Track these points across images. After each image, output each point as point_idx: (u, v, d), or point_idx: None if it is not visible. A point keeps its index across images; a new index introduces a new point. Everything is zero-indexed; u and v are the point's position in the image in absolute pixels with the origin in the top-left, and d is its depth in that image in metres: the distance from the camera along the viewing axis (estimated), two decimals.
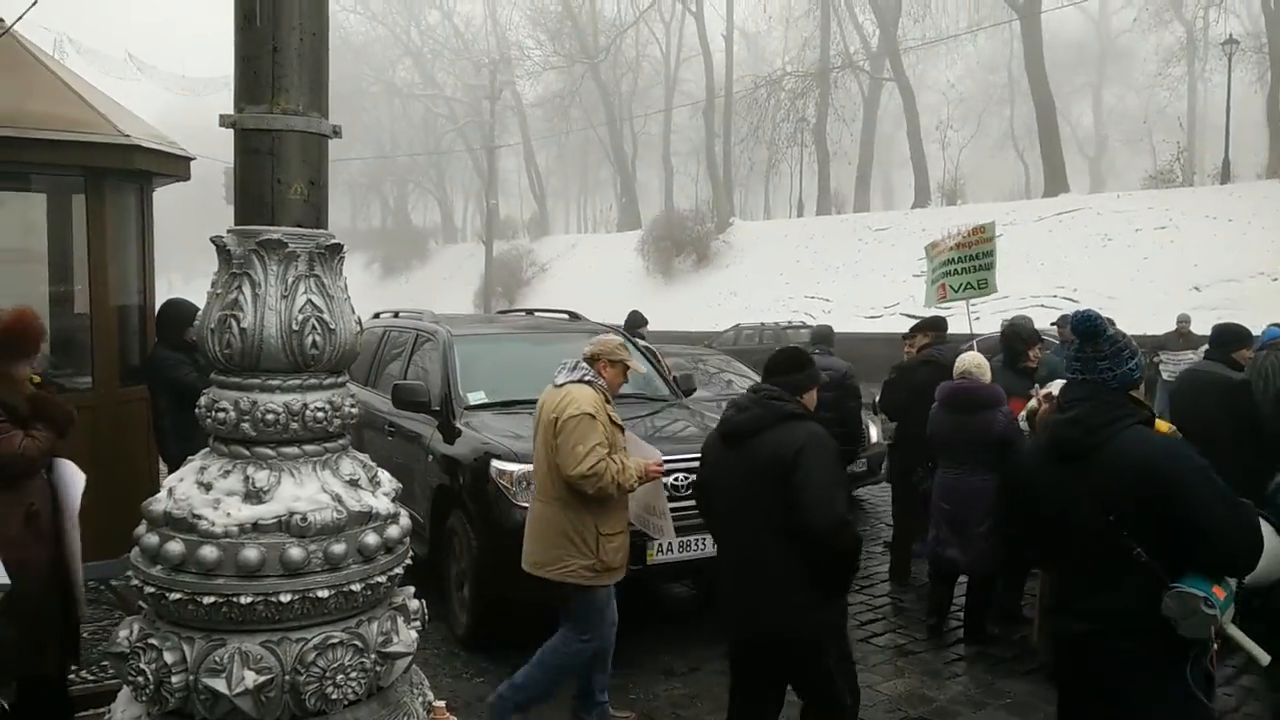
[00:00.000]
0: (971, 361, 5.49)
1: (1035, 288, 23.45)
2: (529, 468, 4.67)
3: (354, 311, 3.24)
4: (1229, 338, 5.48)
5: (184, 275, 51.73)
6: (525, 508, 4.64)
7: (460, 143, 52.42)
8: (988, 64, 45.72)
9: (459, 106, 51.31)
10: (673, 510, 4.62)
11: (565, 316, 7.47)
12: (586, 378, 4.18)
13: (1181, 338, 12.50)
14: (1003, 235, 26.70)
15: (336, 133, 3.52)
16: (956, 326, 7.90)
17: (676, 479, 4.89)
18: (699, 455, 4.51)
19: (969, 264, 8.10)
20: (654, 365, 6.88)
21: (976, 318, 8.31)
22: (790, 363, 3.44)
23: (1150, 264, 22.42)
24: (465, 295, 43.19)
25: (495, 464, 4.92)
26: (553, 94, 47.97)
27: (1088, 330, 2.70)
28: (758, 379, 10.73)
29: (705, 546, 4.94)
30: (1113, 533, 2.50)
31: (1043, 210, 27.30)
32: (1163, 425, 3.42)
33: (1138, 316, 16.81)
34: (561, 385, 4.17)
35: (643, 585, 5.63)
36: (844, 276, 29.61)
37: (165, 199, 6.93)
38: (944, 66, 42.52)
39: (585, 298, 28.46)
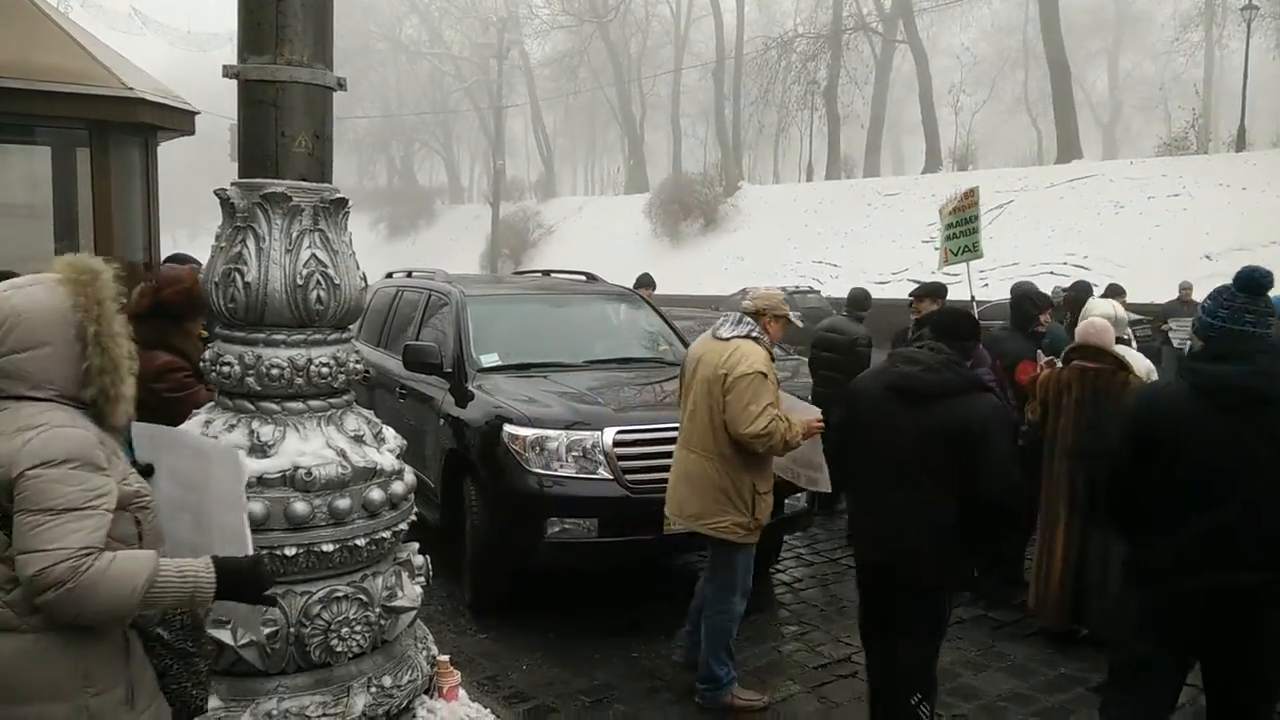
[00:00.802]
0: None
1: (1046, 254, 23.31)
2: (542, 432, 4.72)
3: (359, 267, 3.22)
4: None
5: (189, 232, 51.59)
6: (537, 473, 4.69)
7: (467, 102, 51.97)
8: (1002, 27, 45.02)
9: (466, 65, 50.81)
10: None
11: (582, 278, 7.30)
12: (754, 333, 4.08)
13: (1185, 305, 12.42)
14: (1013, 201, 26.65)
15: (341, 85, 3.48)
16: (959, 292, 7.86)
17: None
18: None
19: (963, 228, 8.14)
20: (671, 328, 6.71)
21: (984, 284, 8.28)
22: (968, 329, 3.54)
23: (1162, 232, 22.24)
24: (471, 256, 43.07)
25: (507, 428, 4.82)
26: (560, 54, 47.46)
27: (1254, 285, 2.79)
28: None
29: None
30: None
31: (1055, 176, 27.05)
32: None
33: (1149, 284, 16.70)
34: (728, 339, 4.07)
35: (659, 558, 5.61)
36: (853, 242, 29.44)
37: (169, 156, 6.90)
38: (958, 29, 41.89)
39: (592, 260, 28.33)
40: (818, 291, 23.32)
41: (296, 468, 2.79)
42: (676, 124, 47.79)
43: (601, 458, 4.75)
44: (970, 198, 8.07)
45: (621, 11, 44.70)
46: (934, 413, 3.25)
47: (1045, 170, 29.34)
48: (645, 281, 9.35)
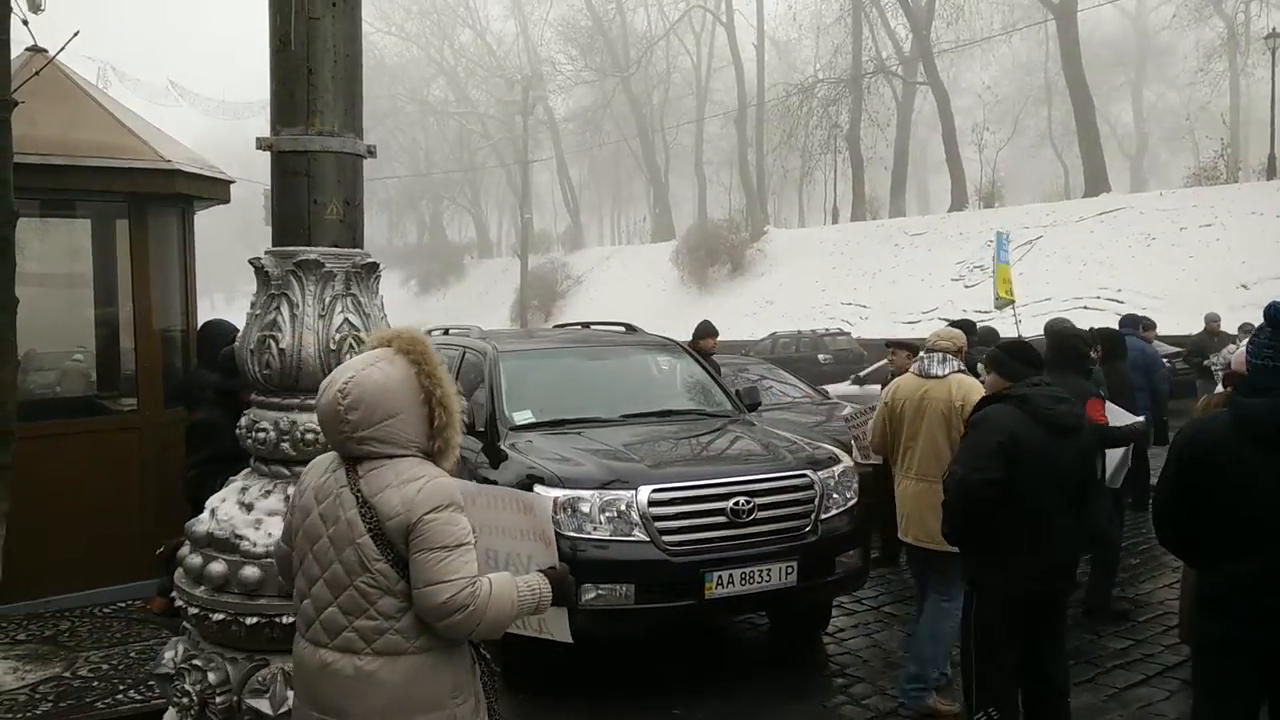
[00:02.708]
0: None
1: (1078, 289, 23.10)
2: (573, 493, 4.52)
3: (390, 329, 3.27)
4: None
5: (226, 296, 52.64)
6: (570, 537, 4.40)
7: (494, 158, 52.90)
8: (1023, 65, 45.17)
9: (492, 123, 51.80)
10: (735, 536, 4.52)
11: (621, 329, 7.19)
12: (961, 368, 4.68)
13: (1214, 337, 12.20)
14: (1042, 237, 26.44)
15: (371, 152, 3.55)
16: (1005, 329, 7.78)
17: (737, 503, 4.58)
18: (765, 476, 4.71)
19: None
20: (714, 378, 6.54)
21: (1018, 320, 8.19)
22: (1040, 359, 3.91)
23: (1196, 263, 21.98)
24: (501, 309, 43.46)
25: (538, 489, 4.57)
26: (584, 108, 48.25)
27: (1276, 319, 2.82)
28: (803, 386, 10.46)
29: (770, 577, 4.56)
30: None
31: (1084, 210, 26.90)
32: None
33: (1184, 317, 16.48)
34: (945, 375, 4.61)
35: (701, 624, 5.32)
36: (881, 282, 29.37)
37: (207, 220, 7.04)
38: (979, 68, 42.11)
39: (621, 309, 28.50)
40: (848, 334, 23.25)
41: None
42: (701, 172, 48.23)
43: (637, 518, 4.53)
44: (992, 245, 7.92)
45: (643, 65, 45.47)
46: (1079, 439, 3.58)
47: (1074, 204, 29.20)
48: (707, 330, 8.89)
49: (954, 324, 7.07)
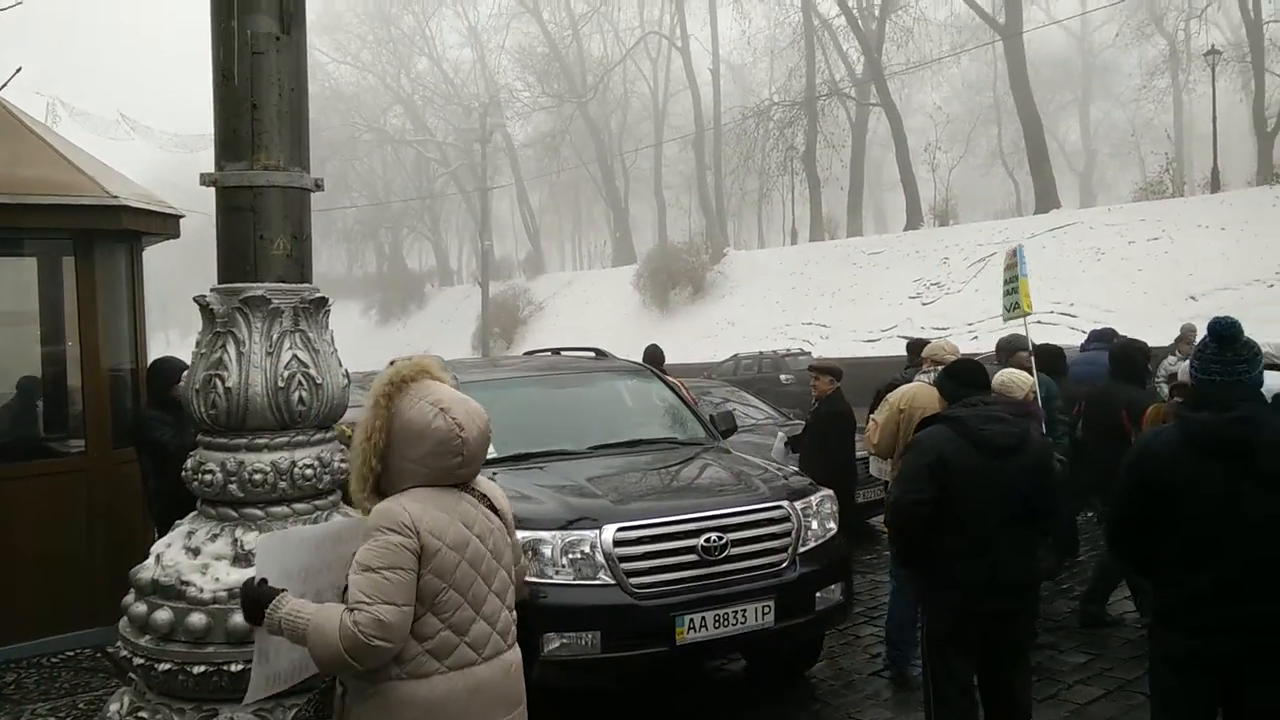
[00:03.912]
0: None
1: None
2: (533, 535, 4.23)
3: (341, 364, 3.21)
4: None
5: (181, 331, 51.84)
6: (530, 583, 4.06)
7: (453, 186, 52.77)
8: (973, 85, 46.08)
9: (451, 150, 51.71)
10: (707, 575, 4.29)
11: (591, 355, 6.95)
12: None
13: (1189, 345, 12.41)
14: (995, 254, 26.85)
15: (319, 185, 3.52)
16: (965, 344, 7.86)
17: (709, 540, 4.34)
18: (737, 510, 4.48)
19: (1008, 287, 8.12)
20: (687, 404, 6.27)
21: (974, 336, 8.26)
22: (986, 378, 3.98)
23: (1145, 275, 22.44)
24: (463, 337, 43.23)
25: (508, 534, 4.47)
26: (543, 134, 48.36)
27: (1230, 334, 2.88)
28: (766, 408, 10.49)
29: (746, 618, 4.33)
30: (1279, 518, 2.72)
31: (1035, 227, 27.38)
32: None
33: (1136, 328, 16.76)
34: None
35: (673, 672, 4.86)
36: (841, 301, 29.64)
37: (162, 255, 6.93)
38: (929, 89, 42.83)
39: (583, 334, 28.45)
40: (809, 353, 23.38)
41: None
42: (660, 195, 48.47)
43: (602, 560, 4.25)
44: (1011, 258, 8.07)
45: (600, 90, 45.69)
46: (1019, 457, 3.58)
47: (1025, 221, 29.72)
48: (654, 355, 8.90)
49: (912, 344, 7.25)
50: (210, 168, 3.14)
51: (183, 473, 2.95)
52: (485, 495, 2.34)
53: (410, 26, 53.14)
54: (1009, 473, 3.53)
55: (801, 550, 4.59)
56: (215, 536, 2.81)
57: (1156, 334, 14.25)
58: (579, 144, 47.49)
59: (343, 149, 52.95)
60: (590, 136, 46.56)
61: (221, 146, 3.12)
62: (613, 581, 4.24)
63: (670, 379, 6.95)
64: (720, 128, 41.60)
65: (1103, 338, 9.65)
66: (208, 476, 2.83)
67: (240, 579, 2.67)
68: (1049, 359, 7.12)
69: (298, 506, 2.90)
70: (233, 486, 2.81)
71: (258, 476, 2.80)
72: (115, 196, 5.45)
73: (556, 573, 4.24)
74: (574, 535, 4.29)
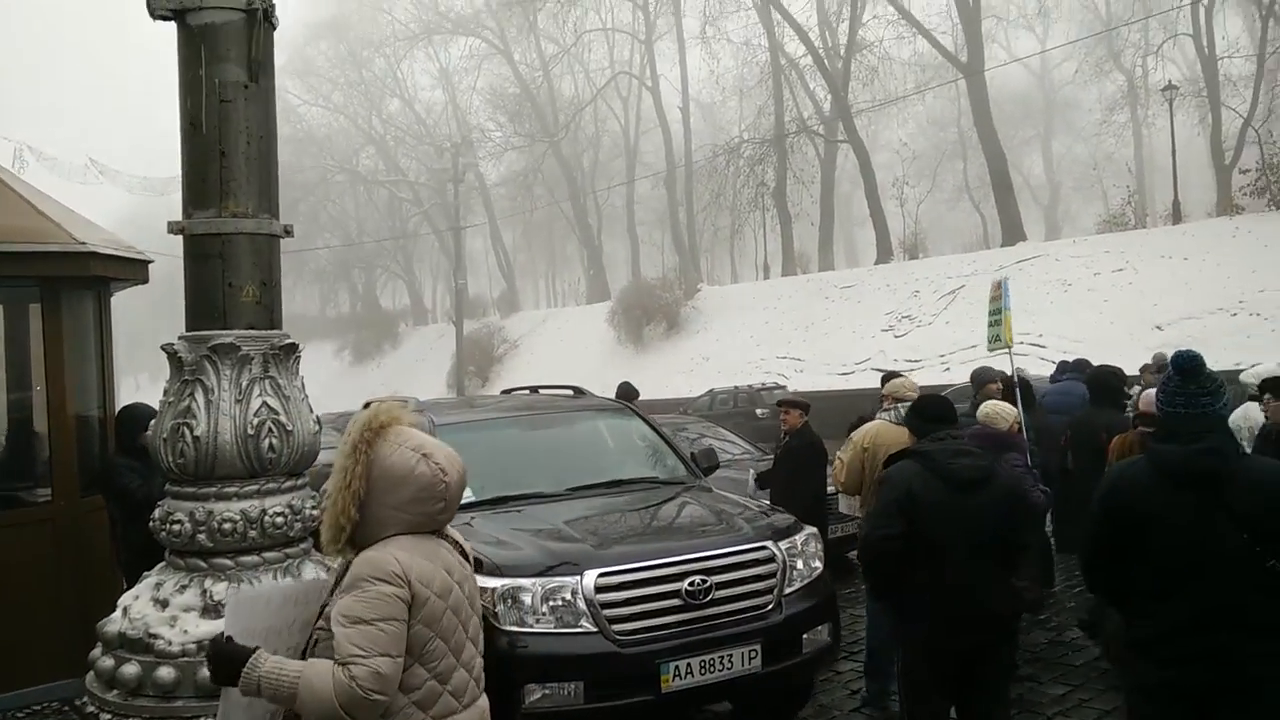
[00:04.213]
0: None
1: (988, 334, 23.70)
2: (512, 582, 4.12)
3: (312, 410, 3.20)
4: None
5: (151, 375, 51.25)
6: (509, 631, 4.05)
7: (426, 226, 52.83)
8: (938, 121, 46.89)
9: (423, 190, 51.82)
10: (692, 620, 4.21)
11: (569, 393, 6.81)
12: None
13: (1153, 375, 12.58)
14: (965, 286, 27.21)
15: (288, 232, 3.53)
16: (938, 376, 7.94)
17: (693, 583, 4.23)
18: (721, 551, 4.37)
19: (992, 319, 8.24)
20: (668, 441, 6.14)
21: (946, 368, 8.37)
22: (953, 413, 3.98)
23: (1111, 306, 22.79)
24: (438, 376, 43.02)
25: (477, 579, 4.27)
26: (515, 173, 48.62)
27: (1192, 367, 2.91)
28: (742, 443, 10.53)
29: (732, 664, 4.24)
30: (1247, 548, 2.73)
31: (1003, 259, 27.76)
32: None
33: (1105, 358, 16.98)
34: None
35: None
36: (814, 335, 29.83)
37: (132, 297, 6.87)
38: (896, 125, 43.54)
39: (558, 371, 28.41)
40: (784, 387, 23.49)
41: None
42: (633, 232, 48.75)
43: (583, 607, 4.11)
44: (996, 290, 8.18)
45: (572, 129, 46.07)
46: (989, 490, 3.62)
47: (992, 254, 30.13)
48: (627, 392, 8.89)
49: (886, 376, 7.29)
50: (166, 224, 3.14)
51: (150, 523, 2.91)
52: (457, 541, 2.35)
53: (382, 69, 53.47)
54: (977, 506, 3.55)
55: (787, 591, 4.51)
56: (184, 587, 2.78)
57: (1124, 362, 14.38)
58: (552, 182, 47.78)
59: (315, 190, 52.98)
60: (563, 175, 46.86)
61: (189, 194, 3.13)
62: (595, 629, 4.12)
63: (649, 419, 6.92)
64: (691, 165, 42.02)
65: (1075, 368, 9.79)
66: (176, 526, 2.80)
67: (210, 631, 2.64)
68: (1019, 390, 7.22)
69: (268, 555, 2.88)
70: (201, 536, 2.79)
71: (227, 525, 2.78)
72: (83, 243, 5.42)
73: (537, 621, 4.12)
74: (554, 582, 4.16)
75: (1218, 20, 30.84)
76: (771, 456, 9.76)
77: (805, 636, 4.50)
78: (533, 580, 4.14)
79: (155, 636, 2.65)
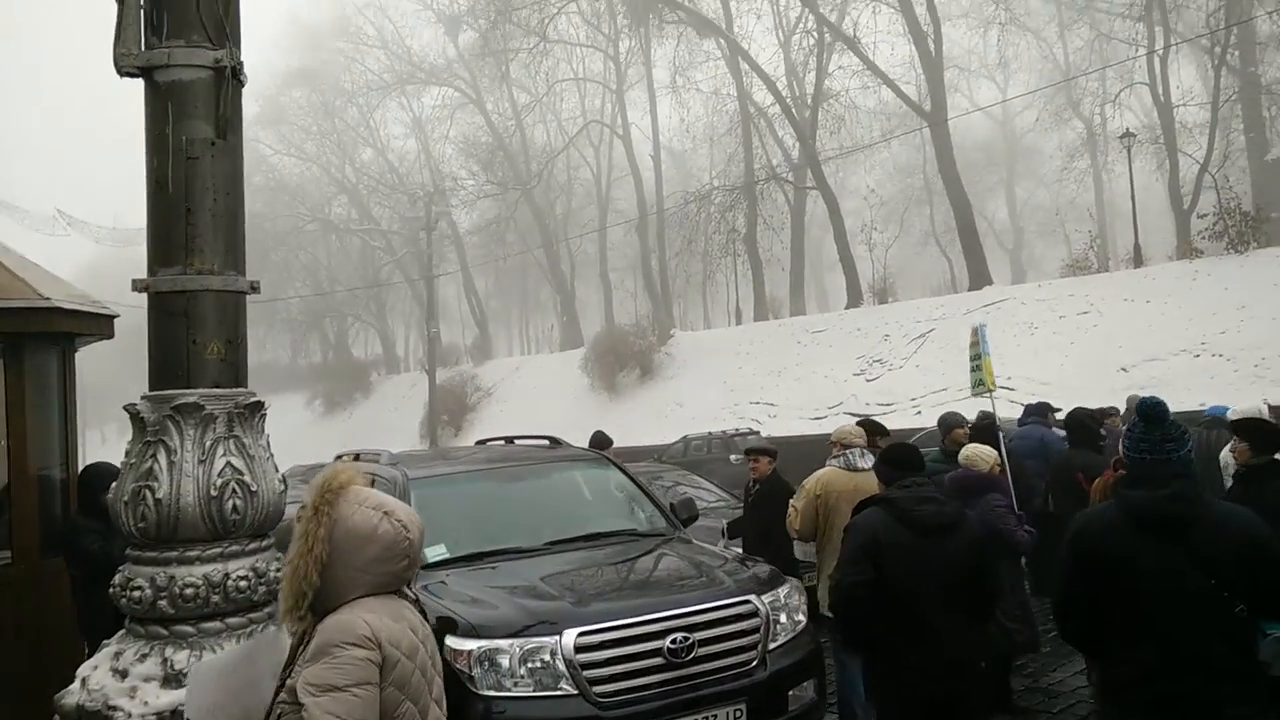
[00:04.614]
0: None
1: (970, 379, 23.94)
2: (488, 644, 3.98)
3: (277, 470, 3.15)
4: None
5: (118, 428, 50.38)
6: (487, 696, 3.89)
7: (398, 274, 52.78)
8: (904, 168, 47.75)
9: (396, 239, 51.86)
10: (674, 680, 4.07)
11: (545, 443, 6.67)
12: None
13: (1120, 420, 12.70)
14: (934, 330, 27.51)
15: (255, 288, 3.50)
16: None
17: (675, 640, 4.11)
18: (702, 607, 4.27)
19: (972, 364, 8.39)
20: (646, 492, 6.05)
21: (917, 411, 8.43)
22: (920, 461, 4.00)
23: (1077, 349, 23.10)
24: (410, 425, 42.66)
25: (450, 641, 3.96)
26: (488, 221, 48.79)
27: (1156, 414, 2.99)
28: (717, 490, 10.51)
29: None
30: (1215, 593, 2.78)
31: (970, 303, 28.12)
32: None
33: (1071, 400, 17.17)
34: (869, 469, 4.85)
35: None
36: (786, 380, 29.95)
37: (100, 349, 6.77)
38: (863, 172, 44.29)
39: (532, 419, 28.26)
40: (757, 432, 23.50)
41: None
42: (606, 279, 48.95)
43: (563, 668, 3.98)
44: (974, 336, 8.30)
45: (544, 177, 46.41)
46: (955, 537, 3.63)
47: (960, 298, 30.52)
48: (600, 441, 8.85)
49: (860, 422, 7.36)
50: (131, 281, 3.11)
51: (110, 589, 2.84)
52: (416, 598, 2.32)
53: (354, 118, 53.71)
54: (944, 552, 3.56)
55: (771, 646, 4.39)
56: (144, 656, 2.70)
57: (1091, 404, 14.61)
58: (524, 229, 47.98)
59: (287, 239, 52.84)
60: (535, 222, 47.10)
61: (154, 251, 3.10)
62: (575, 691, 3.97)
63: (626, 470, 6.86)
64: (663, 212, 42.42)
65: (1037, 412, 9.89)
66: (136, 593, 2.73)
67: (171, 702, 2.56)
68: (982, 433, 7.30)
69: (231, 621, 2.81)
70: (163, 603, 2.72)
71: (189, 591, 2.71)
72: (47, 299, 5.36)
73: (515, 684, 3.95)
74: (533, 643, 4.02)
75: (1172, 70, 31.80)
76: (741, 505, 9.78)
77: (791, 693, 4.37)
78: (510, 641, 4.00)
79: (114, 709, 2.58)
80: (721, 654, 4.25)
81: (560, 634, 4.02)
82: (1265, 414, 6.22)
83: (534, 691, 3.94)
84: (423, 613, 2.30)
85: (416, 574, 2.33)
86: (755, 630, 4.37)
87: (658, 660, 4.08)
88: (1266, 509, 3.42)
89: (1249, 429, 4.93)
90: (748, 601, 4.43)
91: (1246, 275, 22.00)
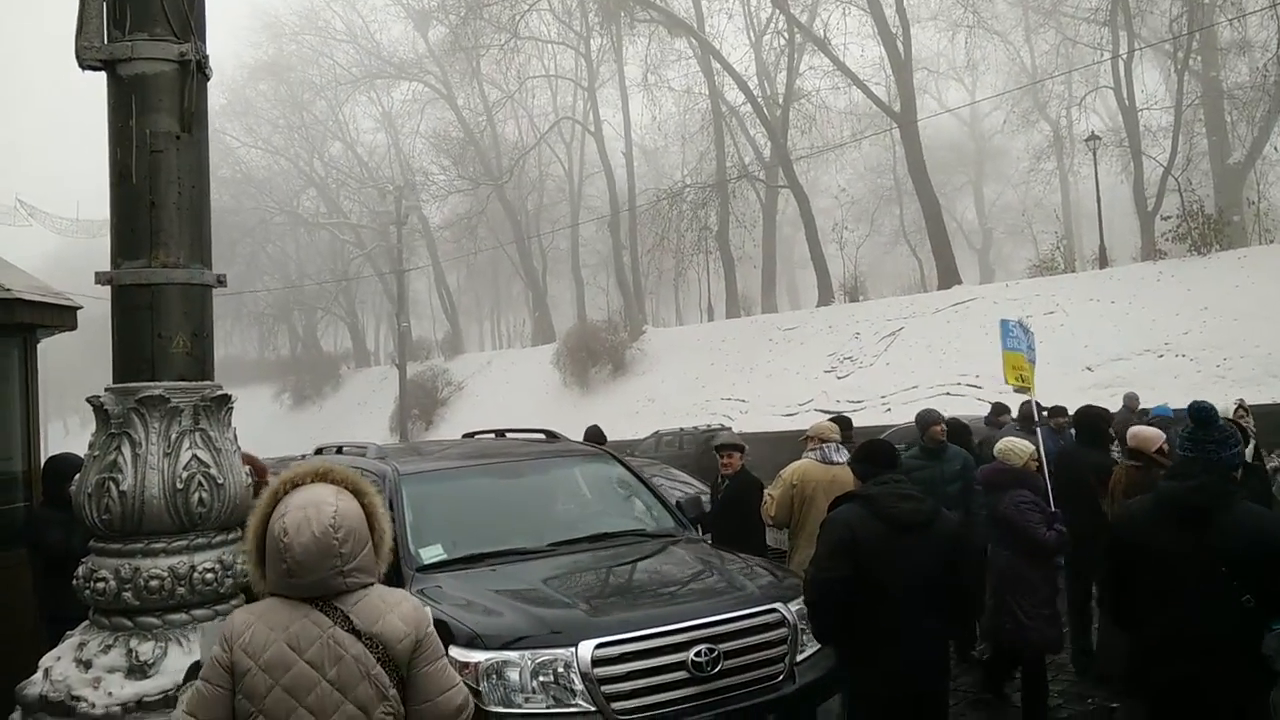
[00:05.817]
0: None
1: (940, 377, 24.20)
2: (496, 656, 3.68)
3: (244, 463, 3.15)
4: None
5: (82, 419, 49.63)
6: (495, 713, 3.58)
7: (368, 268, 52.40)
8: (874, 168, 48.07)
9: (366, 233, 51.45)
10: (699, 695, 3.79)
11: (541, 437, 6.24)
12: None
13: (1134, 414, 12.89)
14: (904, 328, 27.77)
15: (221, 281, 3.49)
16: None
17: (699, 653, 3.81)
18: (729, 616, 3.94)
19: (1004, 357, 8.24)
20: (651, 489, 5.68)
21: (887, 409, 8.50)
22: (896, 457, 4.15)
23: (1044, 347, 23.15)
24: (380, 419, 42.40)
25: (453, 652, 3.51)
26: (459, 216, 48.55)
27: (1204, 418, 3.24)
28: (697, 484, 10.58)
29: None
30: (1225, 582, 2.95)
31: (939, 302, 28.42)
32: None
33: (1042, 399, 17.42)
34: (844, 463, 5.09)
35: None
36: (758, 376, 30.10)
37: (63, 339, 6.70)
38: (834, 171, 44.55)
39: (504, 412, 28.22)
40: (729, 428, 23.60)
41: (180, 687, 2.63)
42: (578, 274, 48.88)
43: (579, 683, 3.65)
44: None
45: (516, 173, 46.28)
46: (932, 533, 3.69)
47: (930, 297, 30.82)
48: (596, 436, 8.77)
49: (832, 418, 7.44)
50: (95, 274, 3.10)
51: (74, 581, 2.83)
52: (348, 616, 2.10)
53: (323, 112, 53.21)
54: (919, 549, 3.60)
55: (799, 659, 4.06)
56: (108, 648, 2.70)
57: (1059, 402, 14.83)
58: (496, 225, 47.78)
59: (254, 232, 52.27)
60: (507, 218, 46.93)
61: (118, 244, 3.09)
62: (593, 708, 3.65)
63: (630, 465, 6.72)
64: (635, 209, 42.44)
65: (1005, 410, 10.05)
66: (100, 585, 2.73)
67: (136, 693, 2.56)
68: (956, 432, 7.40)
69: (198, 613, 2.81)
70: (127, 594, 2.72)
71: (154, 583, 2.71)
72: (8, 290, 5.30)
73: (526, 700, 3.64)
74: (546, 655, 3.70)
75: (1137, 74, 32.25)
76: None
77: (820, 709, 4.07)
78: (520, 653, 3.70)
79: (78, 699, 2.57)
80: (748, 667, 3.94)
81: (576, 645, 3.71)
82: (1231, 413, 6.39)
83: (547, 708, 3.64)
84: (356, 633, 2.08)
85: (332, 585, 2.09)
86: (783, 641, 4.05)
87: (681, 674, 3.78)
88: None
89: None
90: (775, 610, 4.10)
91: (1209, 277, 22.41)
